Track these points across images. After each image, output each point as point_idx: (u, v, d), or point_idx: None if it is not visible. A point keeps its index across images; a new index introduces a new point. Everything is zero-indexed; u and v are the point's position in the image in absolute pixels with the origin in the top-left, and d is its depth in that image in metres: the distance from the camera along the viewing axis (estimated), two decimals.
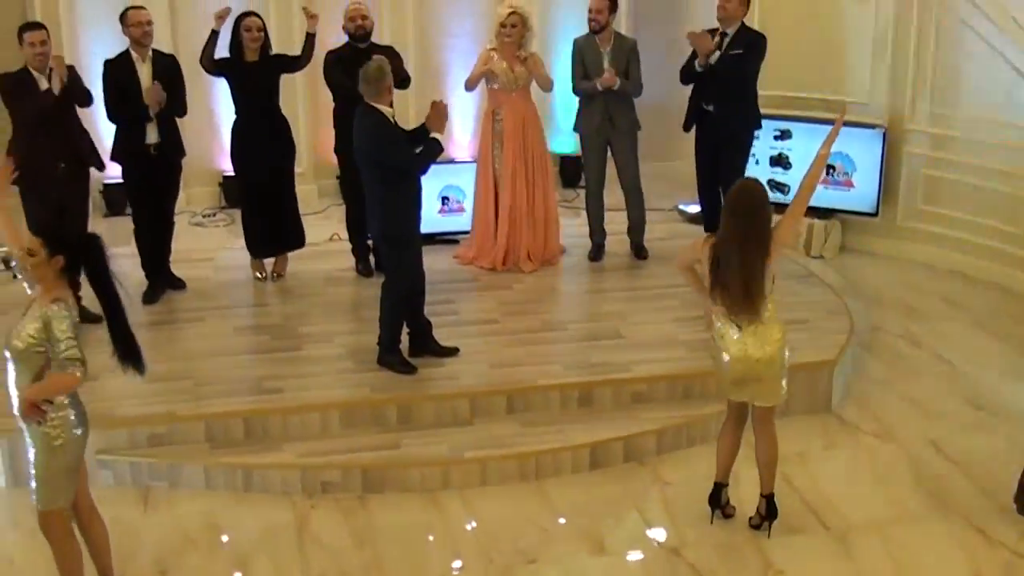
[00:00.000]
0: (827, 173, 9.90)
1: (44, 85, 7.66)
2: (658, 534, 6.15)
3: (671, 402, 7.17)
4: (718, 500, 6.18)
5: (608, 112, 9.02)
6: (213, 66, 8.33)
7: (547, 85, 9.00)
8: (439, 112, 7.10)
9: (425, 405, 6.97)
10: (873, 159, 9.79)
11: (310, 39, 8.39)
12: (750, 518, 6.17)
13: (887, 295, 9.25)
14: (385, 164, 6.97)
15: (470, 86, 8.96)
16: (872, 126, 9.78)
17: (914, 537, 6.12)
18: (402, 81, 8.27)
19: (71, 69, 7.89)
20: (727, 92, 8.70)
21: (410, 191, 7.12)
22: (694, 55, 8.69)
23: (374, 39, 8.66)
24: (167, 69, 8.18)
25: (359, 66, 7.14)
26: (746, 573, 5.85)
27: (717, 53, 8.55)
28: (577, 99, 9.25)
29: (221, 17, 8.20)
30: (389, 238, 7.19)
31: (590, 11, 8.94)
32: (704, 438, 6.84)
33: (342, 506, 6.37)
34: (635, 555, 6.01)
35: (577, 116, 9.27)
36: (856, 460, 6.94)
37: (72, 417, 5.08)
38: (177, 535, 6.11)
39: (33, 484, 5.15)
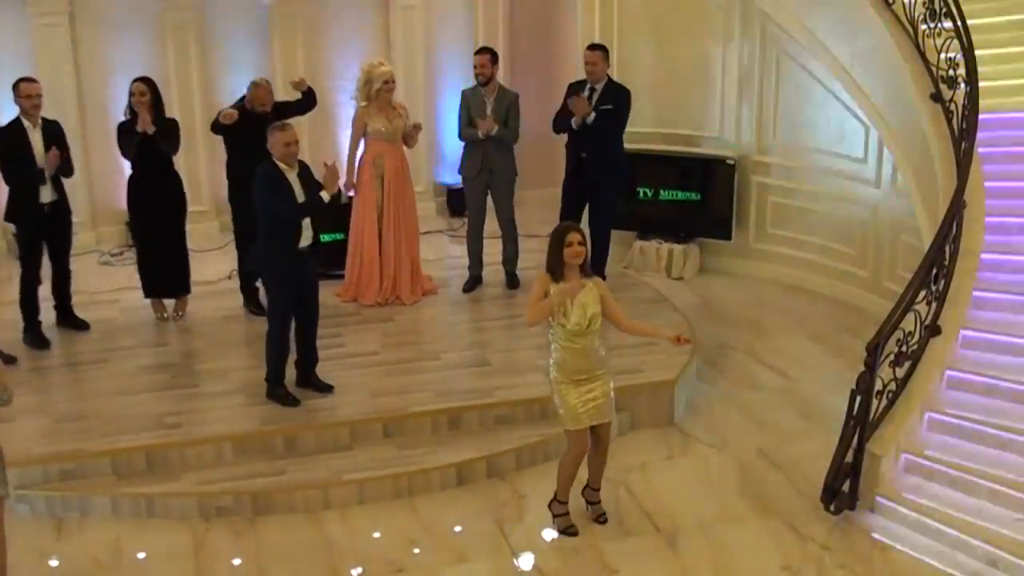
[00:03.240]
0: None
1: None
2: (512, 542, 6.96)
3: (529, 423, 7.97)
4: None
5: (488, 159, 9.84)
6: (129, 149, 8.91)
7: (413, 144, 9.80)
8: (332, 174, 7.79)
9: (308, 434, 7.72)
10: (726, 188, 10.75)
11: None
12: None
13: (737, 313, 10.20)
14: (270, 213, 7.70)
15: (355, 148, 9.66)
16: (724, 159, 10.75)
17: (735, 536, 7.01)
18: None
19: None
20: (599, 142, 9.60)
21: (289, 237, 7.76)
22: (564, 108, 9.55)
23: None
24: (55, 134, 8.77)
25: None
26: (586, 573, 6.70)
27: (593, 114, 9.43)
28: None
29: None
30: (269, 284, 7.99)
31: (475, 66, 9.80)
32: (558, 454, 7.43)
33: (235, 528, 7.11)
34: (490, 562, 6.80)
35: (461, 160, 10.08)
36: (692, 469, 7.81)
37: None
38: (87, 560, 6.82)
39: None
